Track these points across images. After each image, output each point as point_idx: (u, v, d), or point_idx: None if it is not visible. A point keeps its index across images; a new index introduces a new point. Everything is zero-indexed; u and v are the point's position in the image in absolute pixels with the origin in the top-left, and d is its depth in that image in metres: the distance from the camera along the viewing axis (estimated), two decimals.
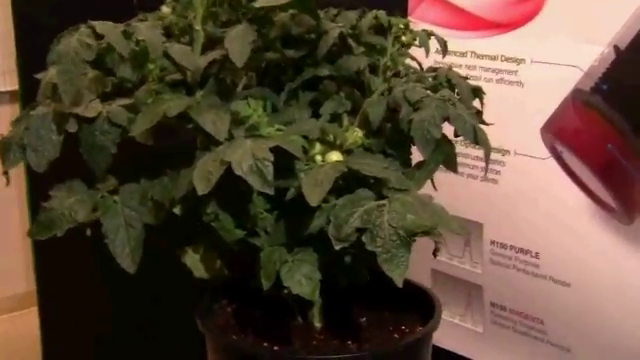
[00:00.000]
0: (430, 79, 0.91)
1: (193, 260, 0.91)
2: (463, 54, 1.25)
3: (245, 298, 0.98)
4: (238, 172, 0.75)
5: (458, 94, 0.89)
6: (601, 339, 1.14)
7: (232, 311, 0.99)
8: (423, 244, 1.28)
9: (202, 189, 0.77)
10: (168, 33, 0.94)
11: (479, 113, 0.91)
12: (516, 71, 1.19)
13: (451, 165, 0.92)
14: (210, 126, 0.81)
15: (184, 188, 0.81)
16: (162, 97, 0.85)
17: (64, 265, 1.82)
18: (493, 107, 1.19)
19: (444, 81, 0.90)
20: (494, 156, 1.23)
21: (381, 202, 0.78)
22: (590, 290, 1.14)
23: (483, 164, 1.24)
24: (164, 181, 0.90)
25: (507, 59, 1.20)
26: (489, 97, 1.20)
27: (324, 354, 0.89)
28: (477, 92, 0.92)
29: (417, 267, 1.37)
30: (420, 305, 0.99)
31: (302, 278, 0.82)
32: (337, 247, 0.77)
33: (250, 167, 0.76)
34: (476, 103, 0.94)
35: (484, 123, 0.92)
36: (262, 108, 0.86)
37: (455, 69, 1.17)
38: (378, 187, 0.81)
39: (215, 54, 0.85)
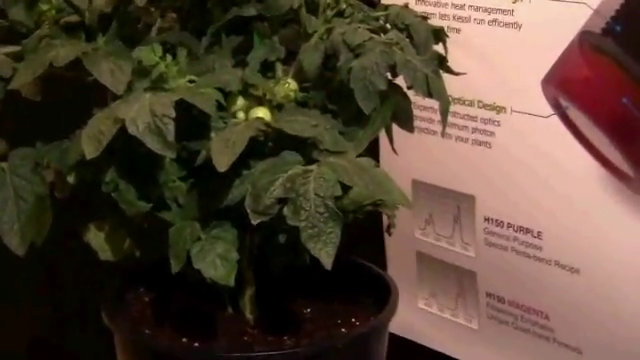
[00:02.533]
0: (381, 20, 0.92)
1: (97, 239, 0.93)
2: None
3: (167, 285, 1.00)
4: (132, 131, 0.77)
5: (412, 37, 0.90)
6: (617, 337, 1.15)
7: (149, 301, 1.01)
8: (407, 219, 1.31)
9: (91, 152, 0.78)
10: None
11: (442, 59, 0.92)
12: (512, 10, 1.19)
13: (405, 122, 0.93)
14: (106, 77, 0.83)
15: (77, 153, 0.83)
16: (52, 43, 0.86)
17: None
18: (485, 55, 1.21)
19: (398, 22, 0.91)
20: (487, 115, 1.24)
21: (308, 167, 0.80)
22: (603, 277, 1.15)
23: (475, 123, 1.25)
24: (64, 144, 0.91)
25: None
26: (481, 42, 1.22)
27: (250, 351, 0.91)
28: (438, 34, 0.92)
29: (399, 248, 1.40)
30: (377, 292, 1.00)
31: (216, 259, 0.83)
32: (255, 221, 0.79)
33: (147, 126, 0.77)
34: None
35: (450, 72, 0.93)
36: (179, 57, 0.87)
37: (440, 9, 1.18)
38: (310, 149, 0.83)
39: None
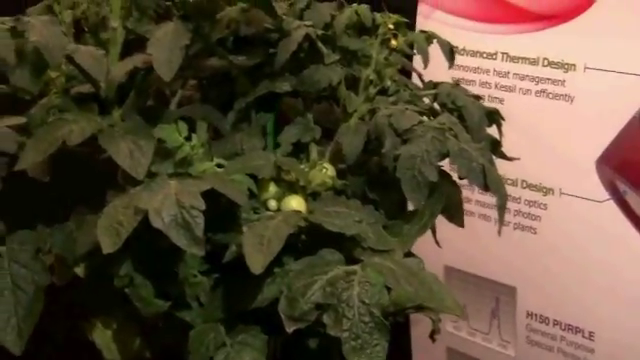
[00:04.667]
0: (428, 99, 0.94)
1: (104, 338, 0.94)
2: (492, 55, 1.29)
3: None
4: (157, 224, 0.78)
5: (465, 119, 0.92)
6: None
7: None
8: None
9: (108, 246, 0.79)
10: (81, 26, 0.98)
11: (496, 144, 0.95)
12: (563, 80, 1.22)
13: (455, 216, 0.95)
14: (125, 159, 0.84)
15: (88, 242, 0.84)
16: (63, 117, 0.88)
17: None
18: (531, 129, 1.23)
19: (448, 102, 0.93)
20: (533, 196, 1.26)
21: (351, 268, 0.81)
22: None
23: (518, 205, 1.27)
24: (68, 228, 0.92)
25: (552, 64, 1.23)
26: (526, 114, 1.24)
27: None
28: (493, 116, 0.95)
29: (427, 343, 1.40)
30: None
31: None
32: (290, 329, 0.80)
33: (174, 218, 0.78)
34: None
35: (504, 157, 0.95)
36: (199, 135, 0.89)
37: (482, 76, 1.21)
38: (351, 247, 0.85)
39: (136, 61, 0.89)
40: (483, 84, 1.29)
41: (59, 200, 0.97)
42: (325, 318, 0.79)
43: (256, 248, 0.80)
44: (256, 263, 0.79)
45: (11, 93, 0.96)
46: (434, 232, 1.00)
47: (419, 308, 0.90)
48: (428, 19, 1.30)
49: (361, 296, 0.79)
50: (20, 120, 0.91)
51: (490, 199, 1.25)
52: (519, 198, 1.26)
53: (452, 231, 1.23)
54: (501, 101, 1.27)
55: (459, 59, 1.04)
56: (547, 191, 1.24)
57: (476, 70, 1.29)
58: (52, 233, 0.93)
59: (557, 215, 1.23)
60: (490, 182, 0.87)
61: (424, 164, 0.86)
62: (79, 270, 0.88)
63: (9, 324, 0.89)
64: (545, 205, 1.24)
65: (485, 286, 1.30)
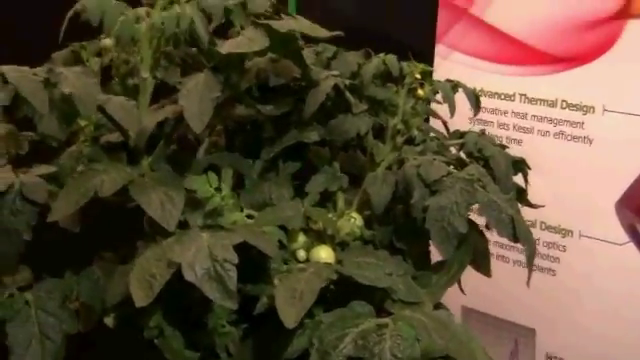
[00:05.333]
0: (455, 148, 0.95)
1: None
2: (510, 97, 1.30)
3: None
4: (189, 278, 0.79)
5: (492, 168, 0.93)
6: None
7: None
8: None
9: (141, 299, 0.80)
10: (110, 73, 0.99)
11: (522, 193, 0.95)
12: (582, 123, 1.23)
13: (482, 266, 0.96)
14: (156, 210, 0.85)
15: (119, 293, 0.85)
16: (94, 167, 0.89)
17: None
18: (550, 170, 1.24)
19: (474, 151, 0.94)
20: (552, 238, 1.27)
21: (382, 321, 0.82)
22: None
23: (537, 247, 1.27)
24: (95, 276, 0.93)
25: (570, 106, 1.24)
26: (544, 156, 1.25)
27: None
28: (519, 165, 0.96)
29: None
30: None
31: None
32: None
33: (206, 272, 0.79)
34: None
35: (530, 205, 0.96)
36: (228, 185, 0.90)
37: (500, 117, 1.22)
38: (380, 297, 0.85)
39: (167, 111, 0.90)
40: (501, 125, 1.30)
41: (85, 246, 0.98)
42: None
43: (289, 302, 0.81)
44: (289, 317, 0.80)
45: (39, 140, 0.97)
46: (459, 284, 1.01)
47: (447, 358, 0.91)
48: (446, 60, 1.31)
49: (393, 350, 0.79)
50: (50, 169, 0.92)
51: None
52: (538, 239, 1.27)
53: (470, 272, 1.24)
54: (519, 142, 1.28)
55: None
56: (566, 233, 1.25)
57: (494, 111, 1.30)
58: (79, 281, 0.94)
59: (576, 257, 1.24)
60: (519, 233, 0.88)
61: (453, 215, 0.87)
62: (108, 320, 0.89)
63: None
64: (564, 247, 1.25)
65: (504, 328, 1.31)
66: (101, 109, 0.89)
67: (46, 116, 0.94)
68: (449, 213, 0.87)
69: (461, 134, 0.98)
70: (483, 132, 0.98)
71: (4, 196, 0.89)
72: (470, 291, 1.30)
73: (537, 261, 1.27)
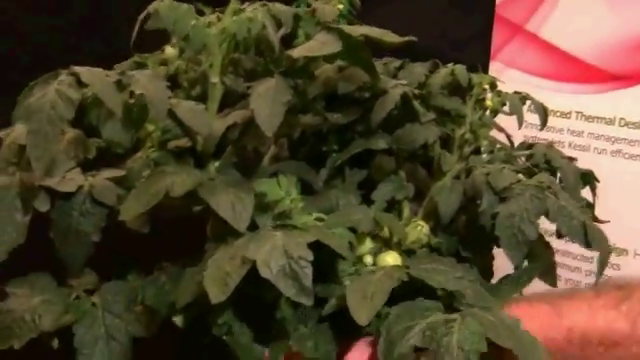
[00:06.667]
0: (522, 159, 0.96)
1: None
2: (566, 115, 1.29)
3: None
4: (265, 274, 0.79)
5: (560, 180, 0.94)
6: None
7: None
8: None
9: (217, 295, 0.80)
10: (174, 82, 1.00)
11: (590, 207, 0.96)
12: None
13: (549, 275, 0.96)
14: (227, 211, 0.86)
15: (191, 292, 0.86)
16: (163, 170, 0.90)
17: None
18: (605, 188, 1.24)
19: (541, 162, 0.95)
20: None
21: (451, 316, 0.82)
22: None
23: (587, 265, 1.27)
24: (160, 280, 0.94)
25: (629, 124, 1.24)
26: (600, 175, 1.25)
27: None
28: (587, 178, 0.96)
29: None
30: None
31: None
32: None
33: (282, 269, 0.80)
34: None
35: (597, 220, 0.96)
36: (296, 189, 0.91)
37: (554, 134, 1.22)
38: (448, 300, 0.86)
39: (237, 116, 0.91)
40: (557, 143, 1.30)
41: (145, 254, 0.99)
42: None
43: (360, 302, 0.82)
44: (361, 316, 0.81)
45: (105, 148, 0.98)
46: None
47: None
48: (501, 77, 1.32)
49: (460, 343, 0.79)
50: (116, 173, 0.93)
51: (561, 258, 1.27)
52: (591, 258, 1.27)
53: None
54: (575, 161, 1.28)
55: (532, 117, 1.05)
56: (621, 252, 1.25)
57: (549, 129, 1.30)
58: (144, 285, 0.94)
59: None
60: (592, 240, 0.88)
61: (523, 222, 0.88)
62: (178, 320, 0.89)
63: None
64: (618, 266, 1.25)
65: None
66: (171, 113, 0.90)
67: (110, 123, 0.96)
68: (519, 220, 0.88)
69: (529, 145, 0.99)
70: (551, 144, 0.98)
71: (74, 197, 0.90)
72: None
73: (590, 280, 1.27)
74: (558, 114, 1.30)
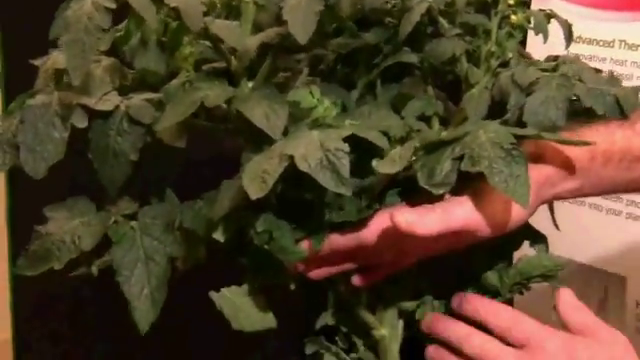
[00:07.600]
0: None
1: (231, 307, 0.96)
2: (609, 44, 1.28)
3: None
4: (304, 168, 0.81)
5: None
6: None
7: None
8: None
9: (255, 192, 0.82)
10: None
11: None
12: None
13: None
14: (261, 120, 0.88)
15: (229, 199, 0.87)
16: (199, 85, 0.92)
17: (49, 311, 1.88)
18: None
19: (569, 73, 0.96)
20: None
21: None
22: None
23: (630, 195, 1.26)
24: (197, 205, 0.96)
25: None
26: None
27: None
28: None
29: None
30: None
31: None
32: (437, 192, 0.85)
33: (319, 162, 0.81)
34: None
35: None
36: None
37: (597, 64, 1.21)
38: None
39: (270, 33, 0.93)
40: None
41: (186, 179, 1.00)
42: (463, 164, 0.84)
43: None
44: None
45: (139, 77, 1.00)
46: (553, 218, 1.02)
47: (544, 277, 0.93)
48: (543, 5, 1.31)
49: (492, 139, 0.84)
50: (154, 95, 0.94)
51: None
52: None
53: (561, 219, 1.24)
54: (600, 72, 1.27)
55: (574, 47, 1.04)
56: None
57: (591, 58, 1.29)
58: (182, 210, 0.95)
59: None
60: (626, 107, 0.91)
61: (549, 108, 0.90)
62: (217, 235, 0.90)
63: (142, 294, 0.93)
64: None
65: (594, 276, 1.30)
66: (205, 30, 0.92)
67: (144, 52, 0.98)
68: (545, 107, 0.90)
69: (555, 57, 1.00)
70: (577, 57, 0.99)
71: (112, 115, 0.91)
72: (561, 239, 1.30)
73: (630, 209, 1.25)
74: (601, 43, 1.28)
